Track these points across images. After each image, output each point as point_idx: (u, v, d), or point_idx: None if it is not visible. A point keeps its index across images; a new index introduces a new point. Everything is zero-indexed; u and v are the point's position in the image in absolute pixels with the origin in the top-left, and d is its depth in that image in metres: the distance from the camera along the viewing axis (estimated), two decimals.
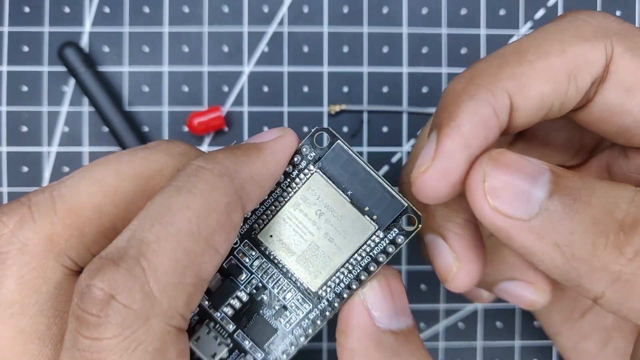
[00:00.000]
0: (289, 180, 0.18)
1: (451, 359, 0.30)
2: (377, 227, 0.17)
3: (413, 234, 0.17)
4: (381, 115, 0.30)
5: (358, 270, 0.18)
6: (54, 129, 0.29)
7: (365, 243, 0.17)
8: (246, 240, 0.18)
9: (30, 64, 0.29)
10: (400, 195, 0.17)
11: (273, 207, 0.18)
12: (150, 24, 0.30)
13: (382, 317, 0.17)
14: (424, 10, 0.30)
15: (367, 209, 0.17)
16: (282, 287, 0.18)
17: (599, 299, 0.14)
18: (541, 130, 0.20)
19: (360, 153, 0.30)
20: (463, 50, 0.30)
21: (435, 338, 0.30)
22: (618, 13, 0.30)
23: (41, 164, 0.29)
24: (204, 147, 0.29)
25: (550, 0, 0.30)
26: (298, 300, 0.18)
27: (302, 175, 0.18)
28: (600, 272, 0.14)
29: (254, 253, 0.18)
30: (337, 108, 0.29)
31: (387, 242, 0.17)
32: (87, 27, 0.30)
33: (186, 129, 0.29)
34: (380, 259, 0.17)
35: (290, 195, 0.18)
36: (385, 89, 0.30)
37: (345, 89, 0.30)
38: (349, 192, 0.17)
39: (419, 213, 0.17)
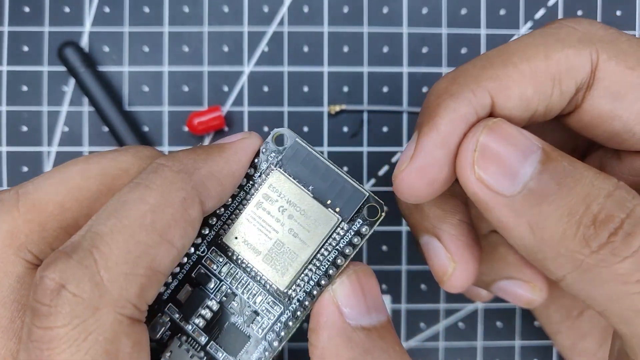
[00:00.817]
0: (251, 182, 0.18)
1: (451, 358, 0.30)
2: (340, 219, 0.17)
3: (377, 223, 0.17)
4: (381, 115, 0.30)
5: (326, 265, 0.17)
6: (54, 128, 0.29)
7: (330, 236, 0.17)
8: (213, 247, 0.18)
9: (30, 64, 0.29)
10: (361, 185, 0.17)
11: (237, 211, 0.18)
12: (150, 23, 0.30)
13: (353, 313, 0.17)
14: (424, 10, 0.30)
15: (329, 201, 0.17)
16: (251, 292, 0.18)
17: (560, 281, 0.15)
18: (534, 132, 0.20)
19: (361, 153, 0.30)
20: (463, 50, 0.30)
21: (435, 338, 0.30)
22: (618, 13, 0.30)
23: (41, 164, 0.29)
24: None
25: (550, 0, 0.30)
26: (268, 303, 0.18)
27: (263, 176, 0.18)
28: (564, 258, 0.14)
29: (221, 259, 0.18)
30: (337, 108, 0.29)
31: (352, 233, 0.17)
32: (87, 27, 0.30)
33: (186, 128, 0.29)
34: (347, 252, 0.17)
35: (253, 195, 0.18)
36: (385, 89, 0.30)
37: (346, 89, 0.30)
38: (311, 187, 0.17)
39: (381, 201, 0.17)
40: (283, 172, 0.18)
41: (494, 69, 0.16)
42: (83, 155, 0.18)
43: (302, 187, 0.17)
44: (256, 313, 0.18)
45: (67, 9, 0.29)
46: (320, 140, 0.30)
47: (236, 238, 0.18)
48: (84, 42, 0.29)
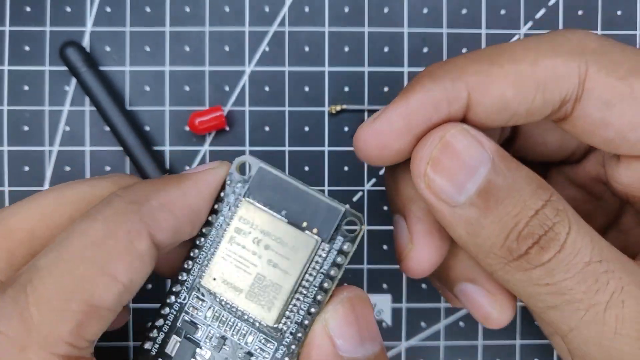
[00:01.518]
0: (221, 217, 0.17)
1: (452, 358, 0.30)
2: (319, 240, 0.16)
3: (359, 238, 0.16)
4: None
5: (314, 291, 0.16)
6: (55, 128, 0.29)
7: (311, 259, 0.16)
8: (193, 292, 0.17)
9: (32, 64, 0.29)
10: (336, 201, 0.16)
11: (212, 250, 0.17)
12: (151, 23, 0.30)
13: (346, 345, 0.16)
14: (425, 10, 0.30)
15: (305, 224, 0.16)
16: (241, 332, 0.17)
17: (490, 273, 0.17)
18: (536, 129, 0.21)
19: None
20: (464, 50, 0.30)
21: (436, 337, 0.30)
22: (619, 13, 0.30)
23: (43, 164, 0.29)
24: (206, 147, 0.30)
25: (551, 0, 0.30)
26: (260, 341, 0.17)
27: (232, 208, 0.17)
28: (492, 260, 0.16)
29: (204, 304, 0.17)
30: (338, 108, 0.29)
31: (335, 253, 0.16)
32: (89, 27, 0.30)
33: (187, 128, 0.29)
34: (333, 273, 0.16)
35: (225, 231, 0.17)
36: (386, 89, 0.30)
37: (346, 89, 0.30)
38: (284, 212, 0.17)
39: (359, 214, 0.16)
40: (252, 201, 0.17)
41: (479, 65, 0.17)
42: (64, 182, 0.18)
43: (274, 214, 0.17)
44: (250, 354, 0.17)
45: (68, 9, 0.30)
46: (321, 140, 0.30)
47: (214, 279, 0.17)
48: (86, 42, 0.30)
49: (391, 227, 0.30)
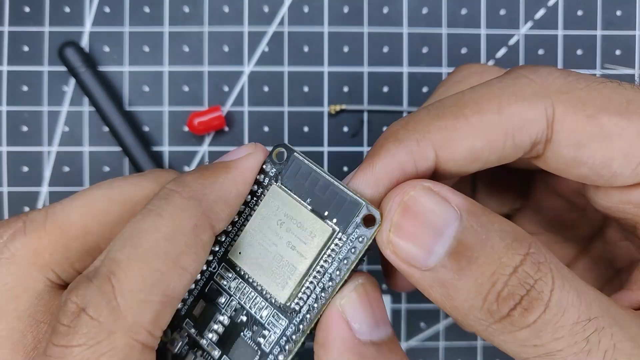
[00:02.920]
0: (255, 198, 0.18)
1: (451, 358, 0.30)
2: (336, 230, 0.17)
3: (374, 233, 0.17)
4: (381, 115, 0.30)
5: (328, 277, 0.17)
6: (54, 128, 0.29)
7: (327, 247, 0.17)
8: (223, 263, 0.18)
9: (31, 64, 0.29)
10: (359, 195, 0.17)
11: (241, 227, 0.18)
12: (150, 23, 0.30)
13: (363, 328, 0.16)
14: (424, 10, 0.30)
15: (326, 213, 0.17)
16: (258, 306, 0.18)
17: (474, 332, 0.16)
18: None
19: (361, 153, 0.30)
20: (463, 50, 0.30)
21: (435, 338, 0.30)
22: (618, 13, 0.30)
23: (41, 164, 0.29)
24: (205, 147, 0.29)
25: (550, 0, 0.30)
26: (274, 317, 0.18)
27: (265, 191, 0.18)
28: (473, 322, 0.15)
29: (230, 275, 0.18)
30: (338, 108, 0.29)
31: (351, 244, 0.17)
32: (88, 27, 0.30)
33: (186, 128, 0.29)
34: (346, 262, 0.17)
35: (254, 210, 0.18)
36: (385, 89, 0.30)
37: (346, 89, 0.30)
38: (309, 200, 0.18)
39: (378, 210, 0.17)
40: (282, 186, 0.18)
41: (444, 120, 0.16)
42: (107, 180, 0.19)
43: (299, 200, 0.18)
44: (263, 327, 0.18)
45: (67, 9, 0.29)
46: (321, 140, 0.30)
47: (240, 253, 0.18)
48: (84, 42, 0.29)
49: None
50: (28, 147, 0.29)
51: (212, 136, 0.30)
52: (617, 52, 0.30)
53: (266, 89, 0.30)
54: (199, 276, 0.18)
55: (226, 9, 0.30)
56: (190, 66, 0.30)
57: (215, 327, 0.18)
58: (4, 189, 0.29)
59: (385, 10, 0.30)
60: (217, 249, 0.18)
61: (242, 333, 0.18)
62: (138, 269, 0.15)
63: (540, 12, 0.30)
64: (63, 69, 0.29)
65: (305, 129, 0.30)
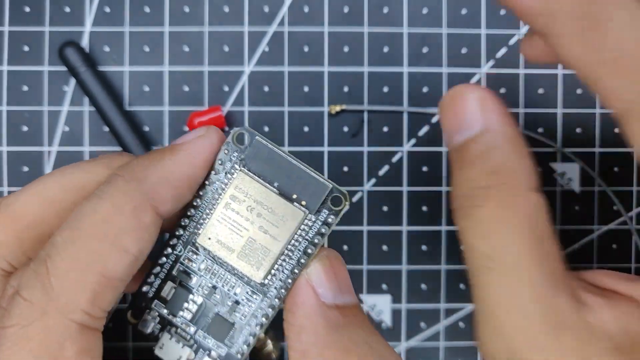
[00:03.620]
0: (218, 182, 0.19)
1: (452, 358, 0.30)
2: (307, 212, 0.18)
3: (342, 212, 0.18)
4: (382, 115, 0.30)
5: (298, 255, 0.18)
6: (54, 128, 0.29)
7: (298, 228, 0.18)
8: (189, 246, 0.19)
9: (31, 64, 0.29)
10: (324, 177, 0.18)
11: (207, 211, 0.19)
12: (150, 23, 0.30)
13: (327, 293, 0.18)
14: (425, 10, 0.30)
15: (295, 196, 0.18)
16: (230, 284, 0.19)
17: None
18: None
19: (361, 153, 0.30)
20: (463, 50, 0.30)
21: (436, 338, 0.30)
22: None
23: (42, 164, 0.29)
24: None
25: None
26: (248, 293, 0.19)
27: (228, 176, 0.18)
28: None
29: (198, 257, 0.19)
30: (338, 108, 0.29)
31: (320, 224, 0.18)
32: (88, 27, 0.30)
33: (187, 128, 0.29)
34: (316, 241, 0.18)
35: (220, 197, 0.19)
36: (385, 89, 0.30)
37: (346, 89, 0.30)
38: (276, 184, 0.18)
39: (345, 191, 0.18)
40: (247, 171, 0.18)
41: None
42: (60, 168, 0.19)
43: (267, 186, 0.18)
44: (237, 303, 0.19)
45: (67, 9, 0.30)
46: (321, 140, 0.30)
47: (209, 239, 0.19)
48: (85, 42, 0.29)
49: (392, 228, 0.30)
50: (28, 147, 0.29)
51: None
52: None
53: (266, 89, 0.30)
54: (164, 259, 0.19)
55: (226, 9, 0.30)
56: (190, 66, 0.30)
57: (189, 306, 0.19)
58: (5, 189, 0.29)
59: (385, 10, 0.30)
60: (181, 232, 0.19)
61: (216, 309, 0.19)
62: (74, 250, 0.15)
63: None
64: (63, 68, 0.29)
65: (306, 128, 0.30)
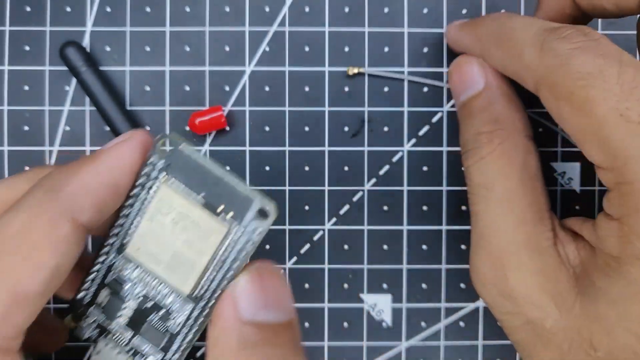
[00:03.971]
0: (144, 192, 0.18)
1: (452, 358, 0.30)
2: (232, 225, 0.18)
3: (270, 223, 0.18)
4: (382, 114, 0.30)
5: (226, 268, 0.18)
6: (55, 128, 0.29)
7: (224, 241, 0.18)
8: (120, 255, 0.19)
9: (32, 64, 0.29)
10: (252, 188, 0.18)
11: (135, 222, 0.18)
12: (151, 23, 0.30)
13: (247, 308, 0.17)
14: (425, 10, 0.30)
15: (221, 208, 0.18)
16: (162, 293, 0.19)
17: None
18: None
19: (361, 152, 0.30)
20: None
21: (436, 337, 0.30)
22: None
23: (43, 164, 0.29)
24: (206, 147, 0.30)
25: None
26: (179, 303, 0.19)
27: (154, 187, 0.18)
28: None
29: (129, 266, 0.19)
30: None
31: (247, 236, 0.18)
32: (89, 27, 0.30)
33: (188, 128, 0.29)
34: (244, 253, 0.18)
35: (146, 207, 0.18)
36: (386, 89, 0.30)
37: (346, 89, 0.30)
38: (202, 194, 0.18)
39: (272, 202, 0.18)
40: (171, 183, 0.18)
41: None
42: None
43: (190, 198, 0.18)
44: (169, 312, 0.19)
45: (68, 9, 0.30)
46: (322, 140, 0.30)
47: (139, 249, 0.19)
48: (86, 42, 0.30)
49: (392, 227, 0.30)
50: (29, 146, 0.29)
51: (214, 136, 0.30)
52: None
53: (267, 88, 0.30)
54: (97, 266, 0.19)
55: (227, 9, 0.30)
56: (191, 66, 0.30)
57: (124, 312, 0.19)
58: None
59: (386, 10, 0.30)
60: (112, 241, 0.19)
61: (150, 317, 0.19)
62: None
63: None
64: (64, 68, 0.29)
65: (306, 128, 0.30)
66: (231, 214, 0.18)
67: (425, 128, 0.30)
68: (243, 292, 0.17)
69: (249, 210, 0.18)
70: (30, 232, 0.15)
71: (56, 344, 0.23)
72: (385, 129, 0.30)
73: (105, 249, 0.19)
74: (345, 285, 0.30)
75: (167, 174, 0.18)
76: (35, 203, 0.16)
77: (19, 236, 0.15)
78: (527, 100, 0.30)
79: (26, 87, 0.29)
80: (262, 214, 0.18)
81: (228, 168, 0.18)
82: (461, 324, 0.30)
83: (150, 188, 0.18)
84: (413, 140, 0.30)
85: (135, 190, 0.18)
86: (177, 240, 0.18)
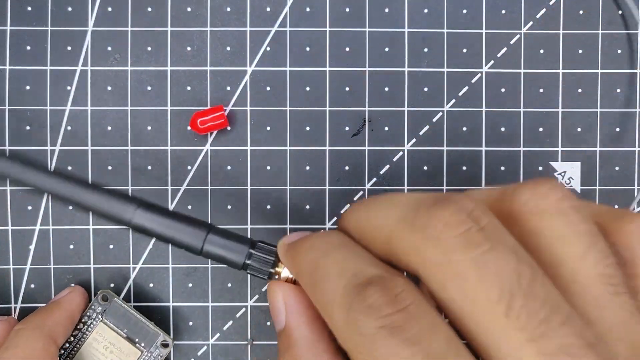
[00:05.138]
0: (85, 326, 0.28)
1: None
2: (144, 351, 0.28)
3: (169, 351, 0.28)
4: (383, 114, 0.30)
5: None
6: (57, 128, 0.29)
7: None
8: None
9: (33, 64, 0.29)
10: (157, 328, 0.28)
11: (78, 346, 0.28)
12: (153, 23, 0.30)
13: None
14: (425, 10, 0.30)
15: (137, 339, 0.28)
16: None
17: None
18: None
19: (362, 152, 0.30)
20: (464, 50, 0.30)
21: None
22: (619, 12, 0.30)
23: (45, 163, 0.29)
24: (207, 146, 0.30)
25: None
26: None
27: (94, 322, 0.28)
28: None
29: None
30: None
31: (154, 358, 0.28)
32: (90, 27, 0.30)
33: (189, 128, 0.29)
34: None
35: (87, 338, 0.28)
36: (386, 89, 0.30)
37: (347, 89, 0.30)
38: (125, 330, 0.28)
39: (169, 337, 0.28)
40: (106, 321, 0.28)
41: None
42: None
43: (118, 331, 0.28)
44: None
45: (69, 9, 0.30)
46: (322, 140, 0.30)
47: None
48: (87, 42, 0.30)
49: None
50: (31, 146, 0.29)
51: (215, 135, 0.30)
52: (619, 52, 0.30)
53: (268, 88, 0.30)
54: None
55: (228, 9, 0.30)
56: (192, 66, 0.30)
57: None
58: (7, 188, 0.29)
59: (387, 10, 0.30)
60: (60, 352, 0.27)
61: None
62: None
63: (542, 12, 0.30)
64: (65, 68, 0.29)
65: (307, 128, 0.30)
66: (143, 344, 0.28)
67: (425, 128, 0.30)
68: None
69: (155, 342, 0.28)
70: (33, 355, 0.24)
71: None
72: (386, 128, 0.30)
73: None
74: None
75: (104, 315, 0.28)
76: (28, 339, 0.24)
77: (26, 356, 0.24)
78: (527, 99, 0.30)
79: (27, 87, 0.29)
80: (164, 345, 0.28)
81: (142, 316, 0.28)
82: None
83: (90, 324, 0.28)
84: (413, 140, 0.30)
85: (79, 325, 0.27)
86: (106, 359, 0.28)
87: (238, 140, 0.30)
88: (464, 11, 0.30)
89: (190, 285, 0.30)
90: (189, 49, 0.30)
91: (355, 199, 0.30)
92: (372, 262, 0.17)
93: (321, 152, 0.30)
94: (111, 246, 0.30)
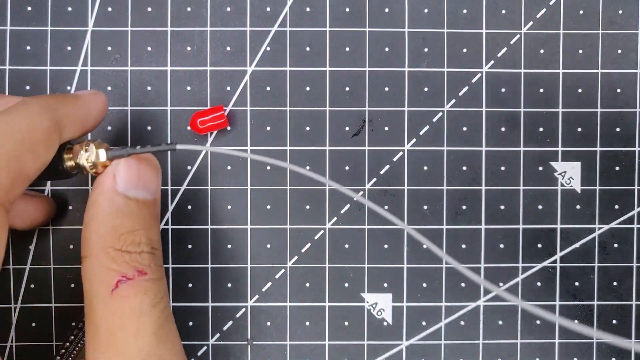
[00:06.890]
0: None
1: (453, 357, 0.30)
2: None
3: None
4: (383, 114, 0.30)
5: None
6: None
7: None
8: None
9: (33, 64, 0.29)
10: None
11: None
12: (153, 23, 0.30)
13: (122, 183, 0.22)
14: (425, 10, 0.30)
15: None
16: None
17: None
18: None
19: (362, 152, 0.30)
20: (464, 50, 0.30)
21: (437, 336, 0.30)
22: (620, 12, 0.30)
23: None
24: (207, 147, 0.30)
25: None
26: None
27: None
28: None
29: None
30: None
31: None
32: (90, 26, 0.30)
33: (189, 128, 0.29)
34: None
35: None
36: (386, 89, 0.30)
37: (347, 89, 0.30)
38: None
39: None
40: None
41: None
42: None
43: None
44: None
45: (69, 8, 0.30)
46: (322, 140, 0.30)
47: None
48: (87, 42, 0.30)
49: (392, 227, 0.30)
50: None
51: (215, 135, 0.30)
52: (619, 52, 0.30)
53: (268, 88, 0.30)
54: None
55: (228, 9, 0.30)
56: (192, 66, 0.30)
57: None
58: None
59: (387, 10, 0.30)
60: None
61: None
62: (2, 152, 0.19)
63: (542, 12, 0.30)
64: (65, 68, 0.29)
65: (307, 128, 0.30)
66: None
67: (426, 128, 0.30)
68: (121, 171, 0.22)
69: None
70: (35, 131, 0.20)
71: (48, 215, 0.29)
72: (386, 128, 0.30)
73: None
74: (346, 284, 0.30)
75: None
76: (35, 112, 0.20)
77: (25, 133, 0.19)
78: (527, 99, 0.30)
79: (27, 87, 0.29)
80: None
81: None
82: (462, 323, 0.30)
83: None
84: (413, 140, 0.30)
85: (80, 325, 0.27)
86: None
87: (238, 141, 0.30)
88: (464, 11, 0.30)
89: (190, 285, 0.30)
90: (189, 49, 0.30)
91: (355, 199, 0.30)
92: None
93: (321, 152, 0.30)
94: None
